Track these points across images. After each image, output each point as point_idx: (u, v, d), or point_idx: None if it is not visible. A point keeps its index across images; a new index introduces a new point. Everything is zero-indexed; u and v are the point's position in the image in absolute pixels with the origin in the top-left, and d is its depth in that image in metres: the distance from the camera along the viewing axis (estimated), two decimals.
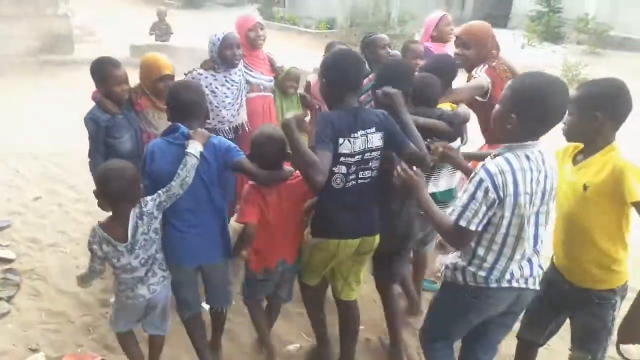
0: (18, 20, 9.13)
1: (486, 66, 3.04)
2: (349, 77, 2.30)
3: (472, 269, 1.97)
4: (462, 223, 1.83)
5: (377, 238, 2.46)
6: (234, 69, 3.38)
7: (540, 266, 2.03)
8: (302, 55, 11.82)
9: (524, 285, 1.98)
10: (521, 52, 11.28)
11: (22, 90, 7.95)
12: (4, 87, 7.84)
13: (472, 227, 1.83)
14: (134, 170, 2.26)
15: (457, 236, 1.89)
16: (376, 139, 2.29)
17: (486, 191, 1.80)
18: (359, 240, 2.39)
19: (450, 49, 3.78)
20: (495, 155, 1.90)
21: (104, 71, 2.94)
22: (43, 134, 6.06)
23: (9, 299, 3.20)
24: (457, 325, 2.15)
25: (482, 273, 1.94)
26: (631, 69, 9.45)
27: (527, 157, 1.84)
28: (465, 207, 1.83)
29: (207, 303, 2.70)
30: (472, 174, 1.90)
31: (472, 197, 1.82)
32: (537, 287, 2.03)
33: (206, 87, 3.24)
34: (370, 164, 2.31)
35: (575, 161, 2.10)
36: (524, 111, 1.82)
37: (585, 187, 1.98)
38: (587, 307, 2.09)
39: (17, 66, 8.86)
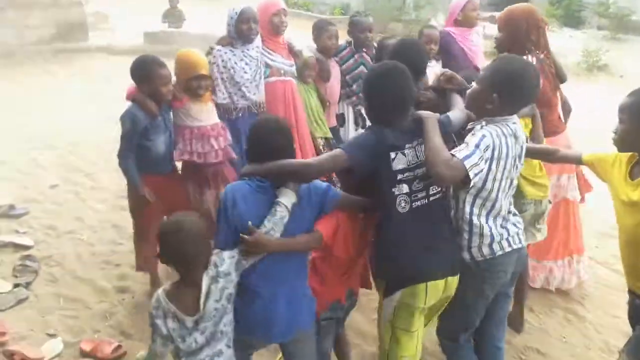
0: (32, 9, 9.17)
1: (534, 59, 2.82)
2: (395, 99, 2.04)
3: (475, 244, 2.04)
4: (467, 164, 1.87)
5: (457, 278, 2.07)
6: (251, 45, 3.32)
7: (515, 224, 2.16)
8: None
9: (520, 245, 2.13)
10: None
11: (38, 79, 8.01)
12: (20, 76, 7.92)
13: (471, 173, 1.88)
14: (203, 224, 1.86)
15: (454, 169, 1.87)
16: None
17: (487, 147, 1.92)
18: (444, 282, 2.02)
19: (476, 34, 3.67)
20: (482, 126, 2.01)
21: (149, 71, 2.84)
22: (60, 123, 6.08)
23: (27, 285, 3.23)
24: (476, 307, 2.15)
25: (486, 246, 2.04)
26: None
27: (509, 127, 2.02)
28: (472, 153, 1.89)
29: None
30: (472, 130, 2.02)
31: (477, 146, 1.91)
32: (524, 244, 2.20)
33: (224, 63, 3.23)
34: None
35: (632, 174, 1.98)
36: (503, 91, 1.98)
37: None
38: None
39: (32, 55, 8.93)
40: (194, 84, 2.97)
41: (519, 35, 2.86)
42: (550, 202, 2.89)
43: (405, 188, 1.98)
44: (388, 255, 2.04)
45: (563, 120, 3.15)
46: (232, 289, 1.87)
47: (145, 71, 2.84)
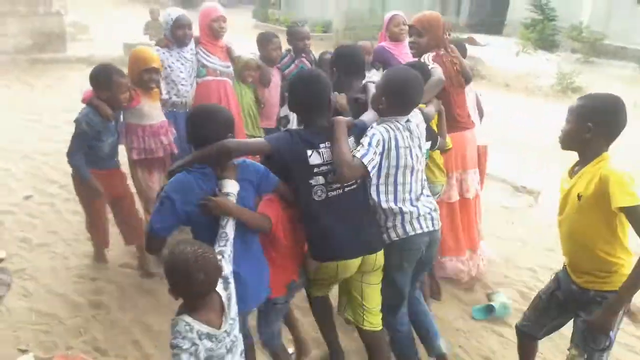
0: (10, 18, 9.05)
1: (433, 53, 3.16)
2: (314, 100, 2.32)
3: (390, 226, 2.37)
4: (365, 160, 2.20)
5: (381, 255, 2.37)
6: (186, 48, 3.74)
7: (426, 206, 2.44)
8: None
9: (432, 228, 2.44)
10: (516, 60, 11.34)
11: (13, 89, 7.88)
12: None
13: (369, 167, 2.22)
14: (211, 250, 1.83)
15: (355, 169, 2.19)
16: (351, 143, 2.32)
17: (378, 142, 2.25)
18: (359, 260, 2.31)
19: (406, 48, 3.80)
20: (371, 127, 2.35)
21: (109, 79, 3.05)
22: (33, 133, 5.98)
23: None
24: (400, 281, 2.48)
25: (400, 226, 2.37)
26: (623, 78, 9.54)
27: (399, 124, 2.36)
28: (367, 151, 2.22)
29: None
30: (367, 131, 2.33)
31: (370, 144, 2.24)
32: (437, 227, 2.47)
33: (162, 62, 3.56)
34: None
35: (572, 172, 2.19)
36: (391, 96, 2.36)
37: (579, 197, 2.08)
38: (590, 307, 2.13)
39: (8, 64, 8.78)
40: (145, 76, 3.26)
41: (438, 39, 3.21)
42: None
43: (321, 180, 2.25)
44: (309, 237, 2.36)
45: (478, 120, 3.68)
46: (232, 290, 1.91)
47: (105, 79, 3.06)
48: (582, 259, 2.17)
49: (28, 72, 8.77)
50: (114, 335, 2.94)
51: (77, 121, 3.06)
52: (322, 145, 2.26)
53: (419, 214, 2.39)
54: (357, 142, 2.30)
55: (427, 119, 2.67)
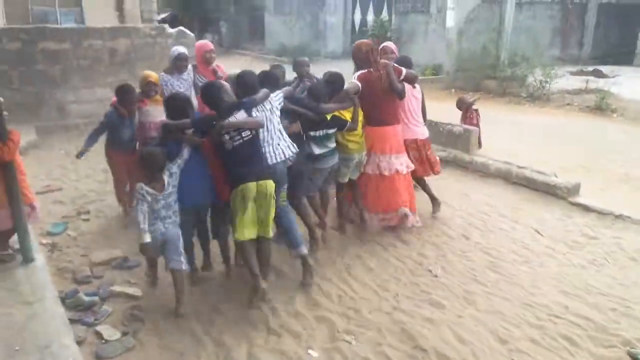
0: None
1: (360, 72, 4.73)
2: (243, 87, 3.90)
3: (271, 154, 3.87)
4: (258, 119, 3.81)
5: (271, 184, 3.66)
6: (184, 73, 5.44)
7: (281, 148, 3.91)
8: None
9: (284, 158, 3.91)
10: None
11: None
12: None
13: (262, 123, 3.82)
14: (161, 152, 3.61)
15: (256, 124, 3.75)
16: (243, 115, 3.67)
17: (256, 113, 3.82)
18: (256, 184, 3.60)
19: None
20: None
21: (124, 94, 4.95)
22: None
23: (134, 334, 3.42)
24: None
25: (272, 158, 3.85)
26: None
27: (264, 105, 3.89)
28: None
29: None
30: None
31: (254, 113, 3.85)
32: (279, 160, 3.88)
33: (166, 83, 5.30)
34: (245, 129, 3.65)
35: None
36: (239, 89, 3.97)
37: None
38: None
39: None
40: (146, 87, 5.02)
41: (363, 59, 4.77)
42: (365, 155, 4.77)
43: (227, 135, 3.60)
44: (227, 172, 3.72)
45: (418, 121, 5.19)
46: (175, 181, 3.64)
47: (122, 94, 4.97)
48: None
49: None
50: None
51: (105, 114, 5.06)
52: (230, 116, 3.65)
53: (276, 153, 3.86)
54: (248, 114, 3.71)
55: (354, 89, 4.58)
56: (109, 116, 4.97)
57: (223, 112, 3.64)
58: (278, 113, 3.95)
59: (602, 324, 3.51)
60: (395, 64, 4.79)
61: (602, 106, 10.47)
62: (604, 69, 14.09)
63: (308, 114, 4.20)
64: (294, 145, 3.99)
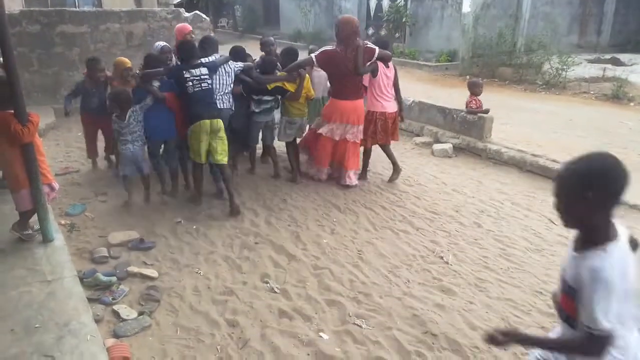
0: None
1: (325, 49, 5.57)
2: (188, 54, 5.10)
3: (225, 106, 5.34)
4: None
5: (220, 122, 4.99)
6: (169, 62, 5.87)
7: (224, 102, 5.30)
8: (420, 89, 11.80)
9: (223, 107, 5.28)
10: None
11: None
12: None
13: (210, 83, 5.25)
14: (128, 93, 5.10)
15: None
16: (204, 70, 5.01)
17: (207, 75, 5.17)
18: (209, 121, 4.90)
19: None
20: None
21: (90, 66, 5.94)
22: None
23: (150, 314, 3.50)
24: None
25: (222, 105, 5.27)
26: None
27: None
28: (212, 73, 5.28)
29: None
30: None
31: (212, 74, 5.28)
32: (225, 107, 5.29)
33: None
34: (205, 81, 4.97)
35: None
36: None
37: None
38: None
39: None
40: (124, 73, 5.76)
41: (350, 36, 5.33)
42: (308, 120, 6.08)
43: (190, 83, 4.87)
44: (186, 111, 4.98)
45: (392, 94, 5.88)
46: (140, 117, 5.05)
47: (89, 65, 5.98)
48: None
49: None
50: (246, 354, 3.11)
51: (75, 83, 6.25)
52: (192, 72, 4.93)
53: (224, 101, 5.26)
54: (210, 71, 5.09)
55: (307, 62, 5.61)
56: (78, 84, 6.06)
57: (190, 65, 4.96)
58: (233, 76, 5.33)
59: None
60: (371, 44, 5.48)
61: (618, 95, 10.33)
62: (622, 57, 13.84)
63: (250, 82, 5.47)
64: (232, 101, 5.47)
